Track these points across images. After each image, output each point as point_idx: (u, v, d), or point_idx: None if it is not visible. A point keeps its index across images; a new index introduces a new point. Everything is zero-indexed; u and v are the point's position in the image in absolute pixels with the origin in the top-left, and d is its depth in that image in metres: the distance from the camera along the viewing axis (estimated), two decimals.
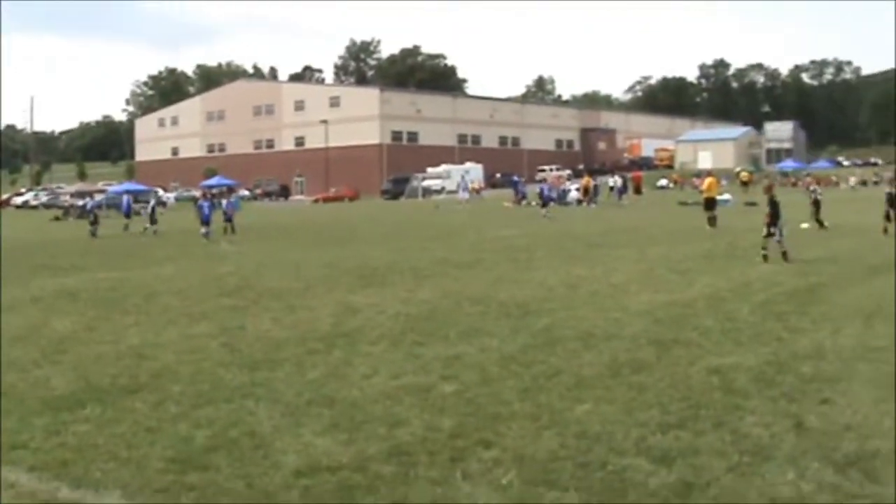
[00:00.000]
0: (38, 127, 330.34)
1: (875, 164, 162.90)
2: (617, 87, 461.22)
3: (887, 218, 36.01)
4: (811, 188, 43.96)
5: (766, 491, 7.90)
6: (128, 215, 58.26)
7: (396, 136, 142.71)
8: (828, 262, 26.28)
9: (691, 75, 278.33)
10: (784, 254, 26.25)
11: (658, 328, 15.78)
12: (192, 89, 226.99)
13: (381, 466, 8.65)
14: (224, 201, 55.67)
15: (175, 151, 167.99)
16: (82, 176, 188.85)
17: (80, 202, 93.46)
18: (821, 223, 39.08)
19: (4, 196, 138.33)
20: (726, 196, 69.06)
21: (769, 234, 26.59)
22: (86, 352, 14.90)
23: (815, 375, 12.05)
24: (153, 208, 53.59)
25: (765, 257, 26.18)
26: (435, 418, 10.26)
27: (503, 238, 39.16)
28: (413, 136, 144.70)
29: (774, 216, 26.59)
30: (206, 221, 46.10)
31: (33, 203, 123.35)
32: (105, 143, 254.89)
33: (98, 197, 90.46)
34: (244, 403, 11.09)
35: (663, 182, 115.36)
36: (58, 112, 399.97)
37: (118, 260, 33.86)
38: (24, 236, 54.00)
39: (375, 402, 11.06)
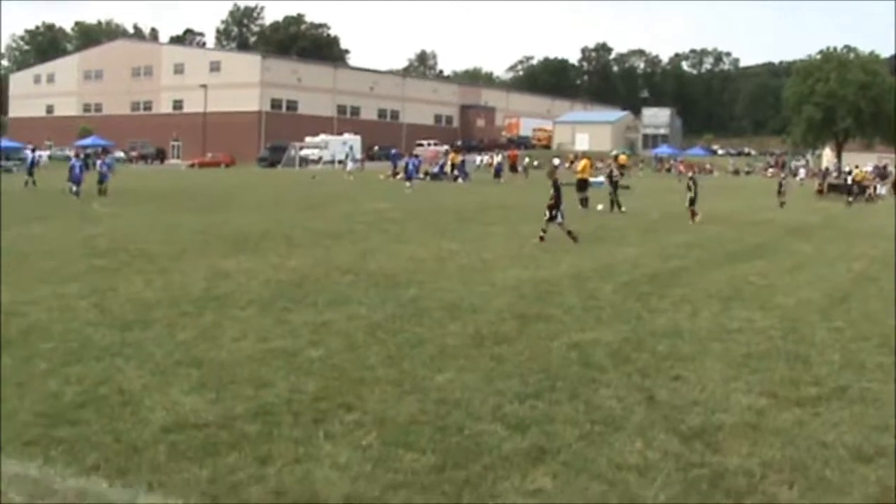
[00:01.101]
0: None
1: (749, 154, 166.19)
2: (499, 66, 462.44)
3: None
4: (612, 170, 45.73)
5: (614, 458, 8.27)
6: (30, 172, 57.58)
7: (276, 103, 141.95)
8: (692, 247, 27.03)
9: (573, 58, 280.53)
10: (570, 233, 27.03)
11: (523, 303, 16.20)
12: (69, 46, 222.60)
13: (247, 425, 8.86)
14: (98, 161, 55.01)
15: (50, 109, 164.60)
16: None
17: None
18: (619, 205, 41.33)
19: None
20: (599, 178, 70.15)
21: (551, 218, 27.23)
22: None
23: (670, 354, 12.52)
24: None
25: (541, 238, 26.89)
26: (300, 381, 10.49)
27: (377, 210, 39.40)
28: (293, 105, 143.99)
29: (557, 200, 27.19)
30: (77, 181, 45.74)
31: None
32: None
33: None
34: (114, 362, 11.17)
35: (556, 161, 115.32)
36: None
37: None
38: None
39: (243, 364, 11.25)
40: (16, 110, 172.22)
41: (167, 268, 19.69)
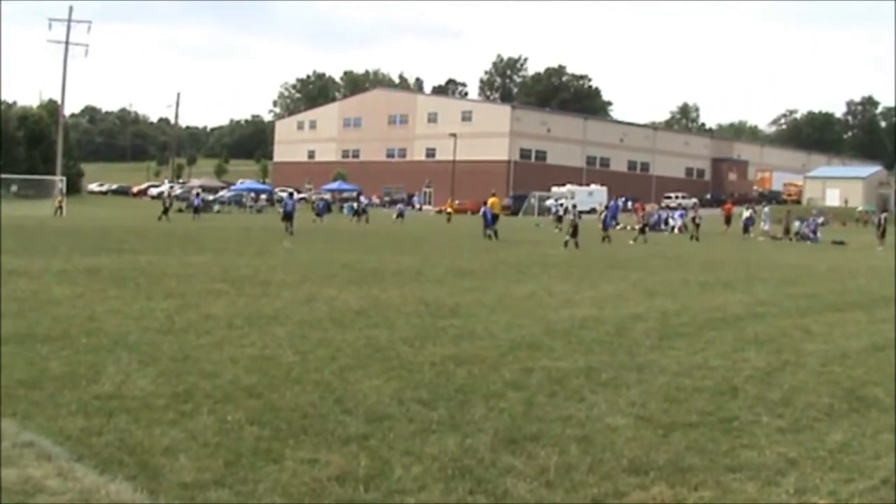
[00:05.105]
0: (192, 122, 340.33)
1: None
2: (762, 119, 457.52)
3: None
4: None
5: None
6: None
7: (525, 153, 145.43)
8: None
9: (839, 111, 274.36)
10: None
11: None
12: (338, 95, 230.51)
13: None
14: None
15: (311, 154, 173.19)
16: (220, 172, 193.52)
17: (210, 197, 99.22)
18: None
19: (142, 186, 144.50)
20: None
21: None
22: (56, 311, 16.73)
23: None
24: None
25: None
26: None
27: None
28: (541, 155, 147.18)
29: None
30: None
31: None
32: (252, 141, 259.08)
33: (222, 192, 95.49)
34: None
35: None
36: (211, 107, 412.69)
37: (180, 246, 36.30)
38: (124, 224, 57.17)
39: None
40: (280, 155, 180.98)
41: (267, 293, 21.62)
